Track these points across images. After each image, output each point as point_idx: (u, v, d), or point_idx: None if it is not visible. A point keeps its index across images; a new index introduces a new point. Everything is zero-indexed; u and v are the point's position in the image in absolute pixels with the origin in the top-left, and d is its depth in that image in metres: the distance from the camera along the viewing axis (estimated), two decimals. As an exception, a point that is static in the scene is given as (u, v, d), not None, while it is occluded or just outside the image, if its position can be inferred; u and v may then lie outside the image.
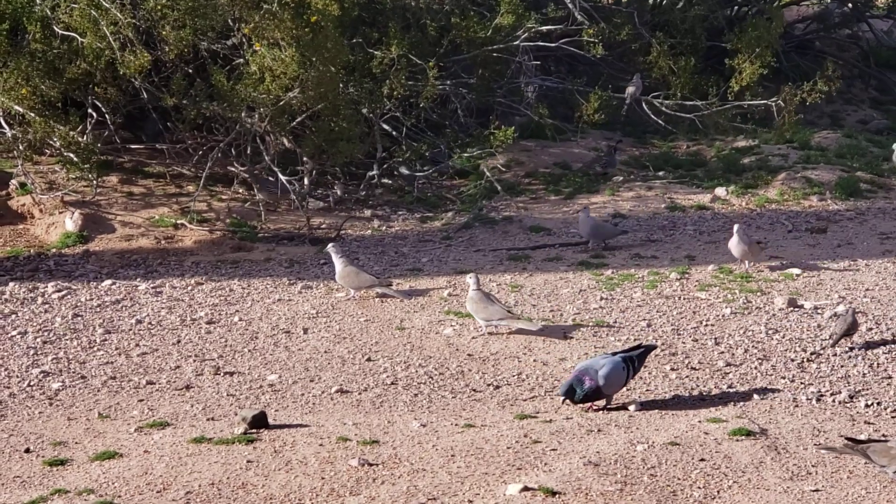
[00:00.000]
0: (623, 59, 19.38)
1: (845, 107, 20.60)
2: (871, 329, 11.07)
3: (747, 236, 12.94)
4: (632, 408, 9.37)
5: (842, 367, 10.26)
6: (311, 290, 12.52)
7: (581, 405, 9.35)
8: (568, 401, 9.30)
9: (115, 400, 9.75)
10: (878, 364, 10.31)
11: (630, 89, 18.15)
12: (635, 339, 10.88)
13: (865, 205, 15.67)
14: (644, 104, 18.07)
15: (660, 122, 18.06)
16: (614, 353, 9.54)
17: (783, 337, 10.94)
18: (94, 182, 14.78)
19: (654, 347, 10.09)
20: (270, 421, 9.04)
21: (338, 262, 12.20)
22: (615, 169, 16.76)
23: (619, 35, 18.05)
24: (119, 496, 7.87)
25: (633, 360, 9.50)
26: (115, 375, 10.27)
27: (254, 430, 8.88)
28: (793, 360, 10.39)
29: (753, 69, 17.14)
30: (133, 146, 15.90)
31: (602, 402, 9.38)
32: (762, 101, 17.46)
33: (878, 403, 9.51)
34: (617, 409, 9.40)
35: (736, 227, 12.84)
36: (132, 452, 8.57)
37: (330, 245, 12.48)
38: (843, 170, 16.91)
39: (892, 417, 9.25)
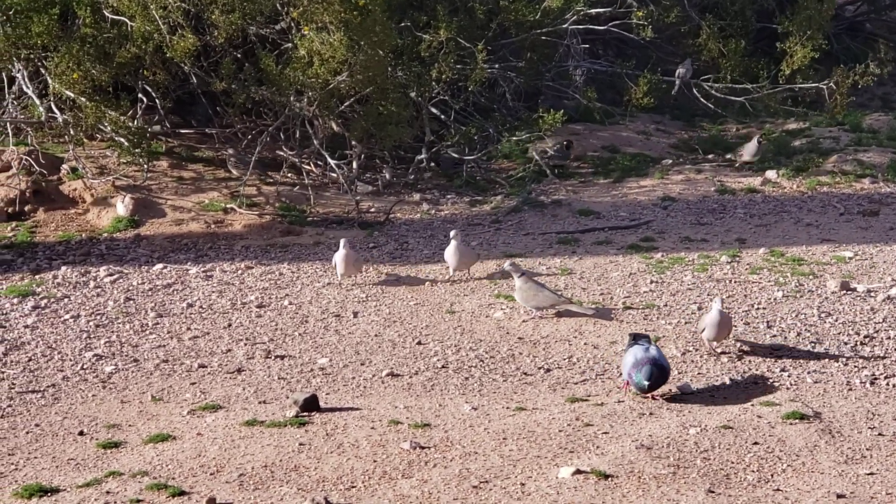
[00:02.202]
0: (672, 42, 19.26)
1: (897, 89, 20.44)
2: (925, 312, 10.99)
3: None
4: (683, 391, 9.32)
5: (895, 350, 10.17)
6: (361, 274, 12.53)
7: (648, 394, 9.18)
8: (647, 390, 9.05)
9: (167, 383, 9.80)
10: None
11: (680, 71, 18.04)
12: (686, 322, 10.84)
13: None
14: (693, 88, 17.97)
15: (709, 105, 17.95)
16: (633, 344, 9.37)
17: (836, 320, 10.86)
18: (145, 167, 14.85)
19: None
20: (322, 404, 9.06)
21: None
22: (567, 162, 16.40)
23: (668, 18, 17.93)
24: (173, 478, 7.91)
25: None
26: (167, 359, 10.32)
27: (305, 414, 8.90)
28: (846, 344, 10.32)
29: (805, 52, 16.99)
30: (183, 131, 15.95)
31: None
32: (814, 84, 17.31)
33: (933, 387, 9.44)
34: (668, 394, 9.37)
35: None
36: (185, 435, 8.62)
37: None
38: (894, 152, 16.75)
39: (948, 401, 9.18)
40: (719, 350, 10.10)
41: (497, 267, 12.58)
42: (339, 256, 12.02)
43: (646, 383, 8.98)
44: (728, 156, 16.77)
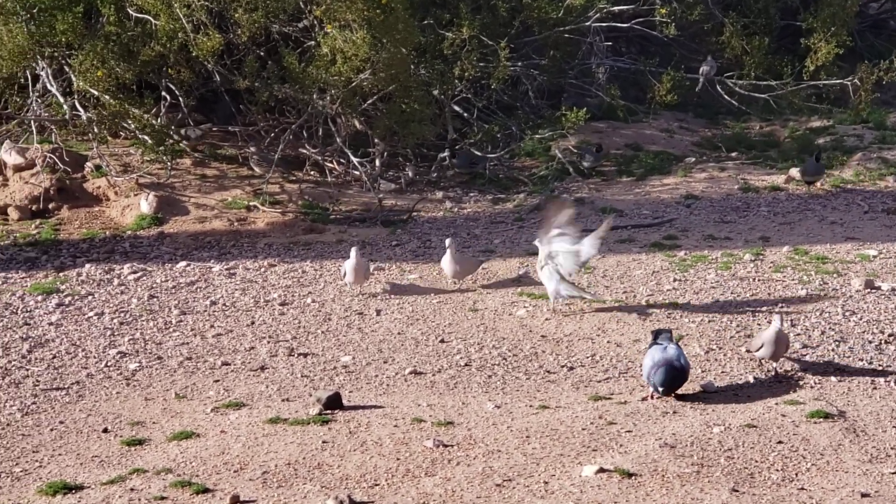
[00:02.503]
0: (695, 39, 19.21)
1: (922, 86, 20.33)
2: (950, 311, 10.94)
3: None
4: (707, 389, 9.29)
5: (920, 349, 10.14)
6: (384, 272, 12.54)
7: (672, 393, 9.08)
8: (663, 392, 8.96)
9: (191, 380, 9.82)
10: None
11: (704, 68, 17.99)
12: (709, 321, 10.82)
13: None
14: (717, 85, 17.92)
15: (733, 102, 17.90)
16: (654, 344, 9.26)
17: (860, 319, 10.82)
18: (168, 164, 14.89)
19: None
20: (345, 402, 9.07)
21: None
22: (600, 165, 16.24)
23: (691, 15, 17.89)
24: (197, 475, 7.93)
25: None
26: (190, 356, 10.35)
27: (328, 411, 8.91)
28: (870, 342, 10.28)
29: (829, 48, 16.93)
30: (194, 126, 15.98)
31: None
32: (838, 81, 17.25)
33: (959, 386, 9.39)
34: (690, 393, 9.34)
35: None
36: (209, 432, 8.64)
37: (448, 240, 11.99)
38: (919, 150, 16.71)
39: (973, 400, 9.13)
40: (778, 369, 9.69)
41: (520, 266, 12.57)
42: (349, 265, 11.75)
43: (660, 389, 8.95)
44: (780, 177, 16.22)
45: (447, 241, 11.89)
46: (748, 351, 9.95)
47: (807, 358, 9.88)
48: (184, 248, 13.30)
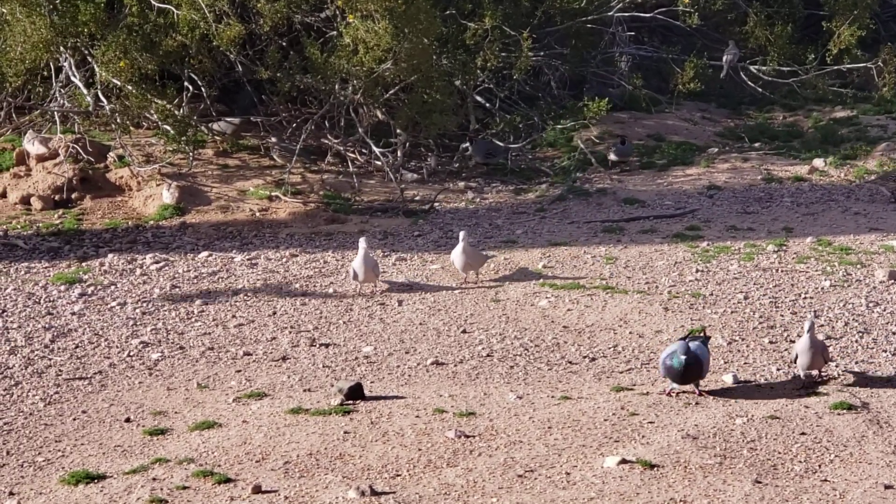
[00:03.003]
0: (718, 29, 19.13)
1: (946, 75, 20.19)
2: (974, 302, 10.89)
3: None
4: (730, 381, 9.26)
5: (947, 341, 10.09)
6: (406, 262, 12.53)
7: (688, 383, 8.96)
8: (680, 376, 8.79)
9: (213, 370, 9.84)
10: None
11: (727, 57, 17.91)
12: (732, 312, 10.78)
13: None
14: (741, 72, 17.85)
15: (757, 89, 17.83)
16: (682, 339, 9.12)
17: (884, 310, 10.78)
18: (190, 155, 14.91)
19: (709, 338, 9.69)
20: (366, 392, 9.07)
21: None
22: (629, 158, 16.14)
23: (714, 5, 17.83)
24: (219, 465, 7.94)
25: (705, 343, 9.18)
26: (212, 346, 10.36)
27: (350, 402, 8.92)
28: (894, 334, 10.23)
29: (852, 30, 16.84)
30: (228, 119, 16.00)
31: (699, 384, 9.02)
32: (862, 64, 17.16)
33: (983, 377, 9.35)
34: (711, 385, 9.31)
35: None
36: (231, 422, 8.65)
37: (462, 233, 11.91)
38: (943, 140, 16.62)
39: None
40: (819, 379, 9.26)
41: (541, 255, 12.55)
42: (357, 264, 11.49)
43: (679, 369, 8.75)
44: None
45: (461, 234, 11.85)
46: (790, 363, 9.53)
47: (843, 365, 9.75)
48: (206, 238, 13.32)
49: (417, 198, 14.73)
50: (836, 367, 9.46)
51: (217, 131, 15.55)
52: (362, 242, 11.60)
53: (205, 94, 15.24)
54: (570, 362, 9.89)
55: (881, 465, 7.79)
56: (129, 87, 14.09)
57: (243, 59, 15.01)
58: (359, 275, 11.54)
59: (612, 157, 15.85)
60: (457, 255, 11.79)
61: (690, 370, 8.82)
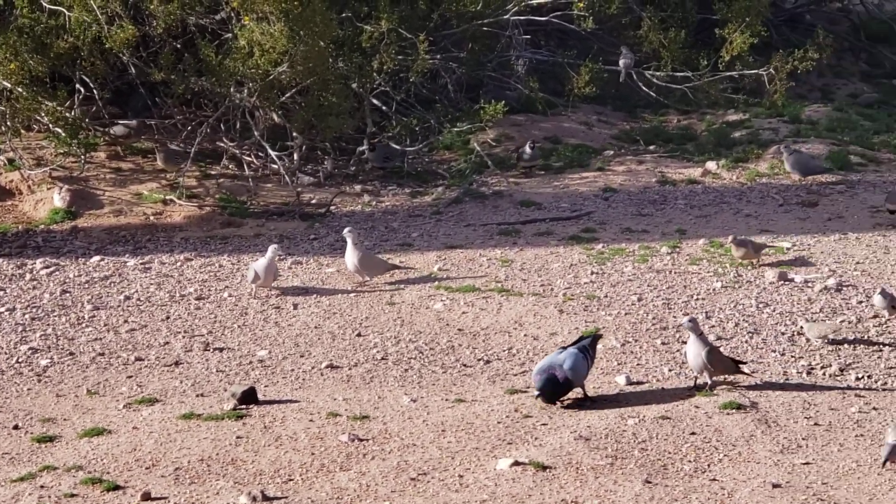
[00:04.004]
0: (613, 33, 19.24)
1: (835, 80, 20.49)
2: (861, 302, 11.06)
3: None
4: (622, 382, 9.34)
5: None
6: (301, 266, 12.48)
7: (555, 402, 8.92)
8: (542, 399, 8.85)
9: (103, 376, 9.73)
10: (867, 337, 10.30)
11: (624, 61, 18.02)
12: (626, 314, 10.87)
13: (856, 178, 15.62)
14: (635, 76, 18.00)
15: (651, 93, 17.98)
16: (564, 348, 9.18)
17: (773, 310, 10.93)
18: (82, 158, 14.71)
19: (601, 336, 9.79)
20: (260, 397, 9.03)
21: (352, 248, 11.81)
22: (537, 162, 16.20)
23: (609, 9, 17.93)
24: (108, 472, 7.86)
25: (587, 349, 9.12)
26: (103, 352, 10.24)
27: (243, 406, 8.87)
28: (783, 334, 10.38)
29: (744, 38, 17.04)
30: (121, 122, 15.81)
31: (579, 392, 8.99)
32: (754, 70, 17.37)
33: (869, 376, 9.52)
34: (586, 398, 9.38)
35: None
36: (121, 429, 8.56)
37: (346, 229, 12.05)
38: (833, 143, 16.85)
39: (883, 390, 9.25)
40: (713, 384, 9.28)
41: (437, 258, 12.56)
42: (261, 265, 11.47)
43: (536, 392, 8.87)
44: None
45: (345, 231, 11.90)
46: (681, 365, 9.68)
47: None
48: (98, 242, 13.16)
49: (314, 201, 14.66)
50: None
51: (113, 135, 15.36)
52: (273, 249, 11.55)
53: (97, 97, 15.04)
54: (464, 365, 9.91)
55: (769, 464, 7.90)
56: (20, 90, 13.87)
57: (136, 61, 14.84)
58: (260, 276, 11.49)
59: (521, 160, 15.88)
60: (347, 256, 11.79)
61: (549, 396, 8.85)
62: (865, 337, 10.30)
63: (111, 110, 15.79)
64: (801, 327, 10.42)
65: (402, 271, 12.06)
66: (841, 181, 15.30)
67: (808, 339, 10.20)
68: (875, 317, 10.69)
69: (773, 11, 20.03)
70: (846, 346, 10.09)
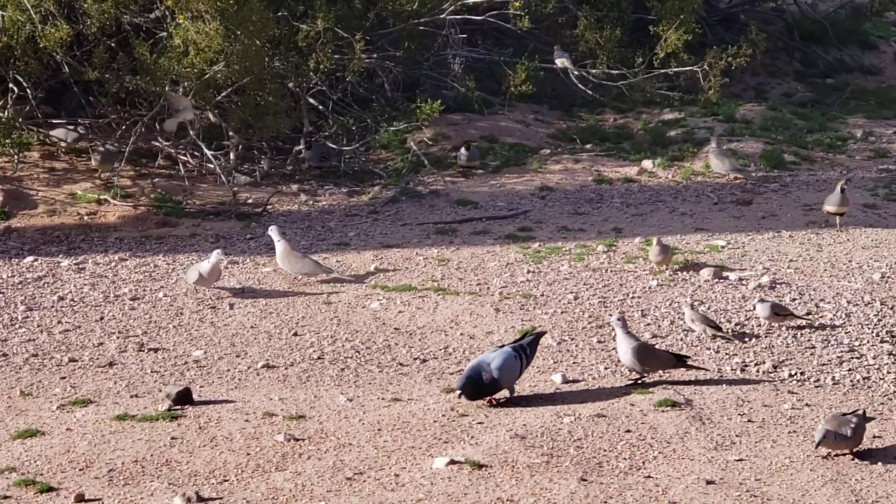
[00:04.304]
0: (550, 32, 19.32)
1: (770, 80, 20.69)
2: (794, 300, 11.17)
3: None
4: (559, 380, 9.38)
5: (766, 337, 10.34)
6: (238, 265, 12.43)
7: (479, 400, 8.90)
8: (464, 397, 8.81)
9: (37, 378, 9.64)
10: (801, 334, 10.40)
11: (564, 61, 18.05)
12: (562, 312, 10.91)
13: (790, 177, 15.78)
14: (571, 74, 18.07)
15: (587, 91, 18.06)
16: (502, 346, 9.19)
17: (708, 308, 11.01)
18: (15, 157, 14.57)
19: (543, 333, 9.76)
20: (195, 397, 8.99)
21: (278, 246, 11.87)
22: (476, 162, 16.24)
23: (545, 8, 18.00)
24: (41, 474, 7.79)
25: (525, 348, 9.09)
26: (36, 353, 10.15)
27: (178, 407, 8.82)
28: (718, 331, 10.46)
29: (678, 35, 17.15)
30: (55, 121, 15.67)
31: (506, 394, 8.97)
32: (688, 67, 17.49)
33: (802, 373, 9.62)
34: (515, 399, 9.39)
35: None
36: (54, 430, 8.49)
37: (271, 227, 12.11)
38: (767, 142, 17.01)
39: (816, 387, 9.34)
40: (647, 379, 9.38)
41: (374, 257, 12.55)
42: (205, 267, 11.39)
43: (457, 391, 8.86)
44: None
45: (270, 229, 11.96)
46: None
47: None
48: (31, 242, 13.04)
49: (250, 201, 14.61)
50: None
51: (62, 140, 15.21)
52: (217, 254, 11.46)
53: (31, 96, 14.90)
54: (400, 364, 9.91)
55: (703, 460, 7.96)
56: (-49, 89, 13.74)
57: (70, 60, 14.71)
58: (203, 276, 11.42)
59: (460, 160, 15.88)
60: (280, 257, 11.78)
61: (470, 394, 8.83)
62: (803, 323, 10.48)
63: (45, 109, 15.64)
64: (754, 306, 10.61)
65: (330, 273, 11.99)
66: (775, 180, 15.44)
67: (757, 318, 10.45)
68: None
69: (708, 11, 20.20)
70: (780, 344, 10.18)
